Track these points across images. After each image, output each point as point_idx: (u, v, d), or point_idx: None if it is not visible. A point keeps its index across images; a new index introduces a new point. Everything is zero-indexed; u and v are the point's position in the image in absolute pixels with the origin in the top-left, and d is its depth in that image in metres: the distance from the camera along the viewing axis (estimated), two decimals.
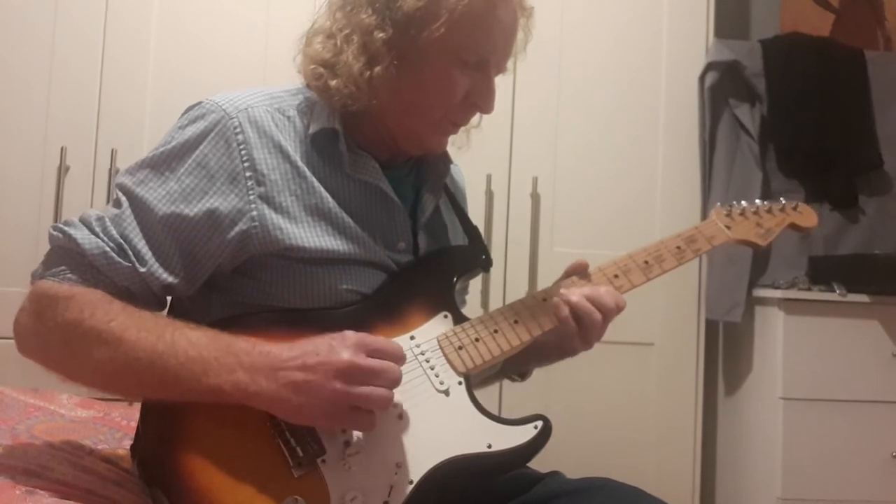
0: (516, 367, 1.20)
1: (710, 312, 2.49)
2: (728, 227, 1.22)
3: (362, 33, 1.03)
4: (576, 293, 1.07)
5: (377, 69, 1.03)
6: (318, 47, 1.07)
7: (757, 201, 1.27)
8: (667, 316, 2.46)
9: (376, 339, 0.93)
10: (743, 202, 1.26)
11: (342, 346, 0.90)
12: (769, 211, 1.26)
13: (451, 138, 1.18)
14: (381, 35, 1.02)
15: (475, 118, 1.15)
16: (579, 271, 1.13)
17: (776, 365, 2.35)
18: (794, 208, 1.28)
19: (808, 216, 1.29)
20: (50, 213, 2.22)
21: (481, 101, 1.08)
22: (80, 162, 2.25)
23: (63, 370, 0.95)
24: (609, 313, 1.07)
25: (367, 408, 0.90)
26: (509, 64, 1.11)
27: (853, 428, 2.34)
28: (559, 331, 1.07)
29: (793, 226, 1.28)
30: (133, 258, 0.97)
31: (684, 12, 2.53)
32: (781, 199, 1.30)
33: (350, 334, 0.92)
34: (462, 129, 1.17)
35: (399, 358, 0.93)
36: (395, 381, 0.91)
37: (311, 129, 1.05)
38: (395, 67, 1.03)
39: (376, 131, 1.09)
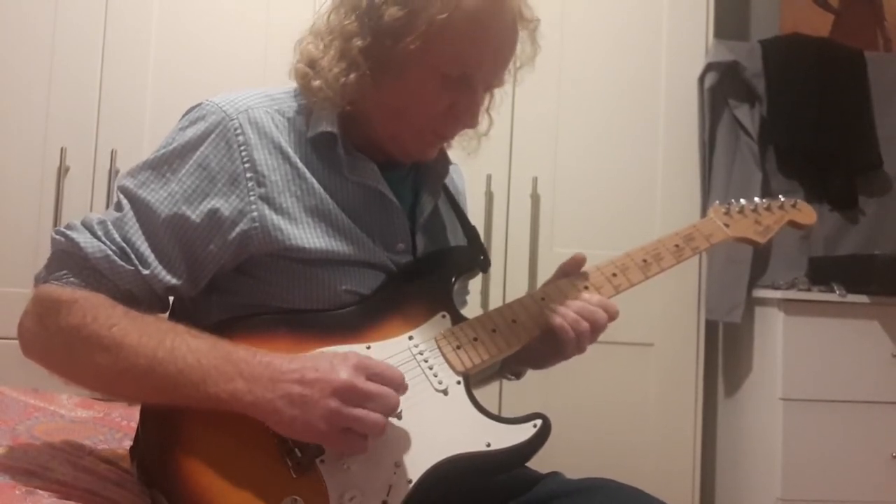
0: (511, 367, 1.20)
1: (710, 313, 2.49)
2: (727, 225, 1.22)
3: (343, 39, 1.04)
4: (569, 311, 1.07)
5: (352, 76, 1.03)
6: (309, 47, 1.08)
7: (756, 199, 1.26)
8: (666, 316, 2.47)
9: (378, 364, 0.92)
10: (742, 200, 1.25)
11: (342, 366, 0.89)
12: (768, 208, 1.26)
13: (460, 143, 1.18)
14: (358, 42, 1.03)
15: (484, 123, 1.15)
16: (576, 268, 1.13)
17: (776, 365, 2.36)
18: (793, 206, 1.28)
19: (806, 213, 1.29)
20: (50, 214, 2.22)
21: (464, 115, 1.07)
22: (80, 162, 2.25)
23: (65, 374, 0.95)
24: (601, 328, 1.08)
25: (360, 431, 0.89)
26: (509, 71, 1.10)
27: (853, 428, 2.34)
28: (557, 339, 1.07)
29: (792, 223, 1.28)
30: (136, 261, 0.97)
31: (684, 12, 2.53)
32: (780, 196, 1.29)
33: (353, 355, 0.92)
34: (473, 135, 1.16)
35: (399, 385, 0.92)
36: (391, 408, 0.90)
37: (310, 133, 1.06)
38: (369, 77, 1.03)
39: (370, 135, 1.09)
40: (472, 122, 1.09)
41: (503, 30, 1.05)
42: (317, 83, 1.04)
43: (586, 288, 1.11)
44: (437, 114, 1.06)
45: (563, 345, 1.07)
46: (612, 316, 1.08)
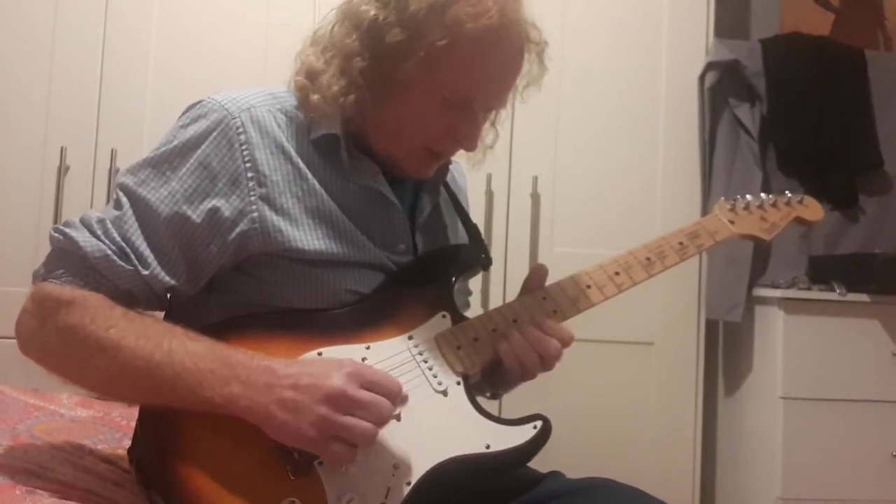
0: (486, 387, 1.17)
1: (711, 312, 2.49)
2: (732, 222, 1.19)
3: (343, 57, 1.03)
4: (522, 342, 1.03)
5: (350, 96, 1.02)
6: (311, 58, 1.07)
7: (762, 195, 1.23)
8: (667, 315, 2.46)
9: (375, 373, 0.92)
10: (748, 196, 1.22)
11: (337, 372, 0.89)
12: (774, 205, 1.23)
13: (467, 155, 1.17)
14: (359, 63, 1.02)
15: (489, 137, 1.14)
16: (538, 283, 1.11)
17: (776, 365, 2.35)
18: (800, 202, 1.25)
19: (813, 209, 1.26)
20: (50, 213, 2.22)
21: (463, 138, 1.06)
22: (80, 162, 2.25)
23: (63, 373, 0.95)
24: (553, 359, 1.04)
25: (349, 440, 0.88)
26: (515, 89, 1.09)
27: (853, 428, 2.33)
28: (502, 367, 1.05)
29: (798, 219, 1.25)
30: (135, 261, 0.96)
31: (684, 12, 2.53)
32: (787, 192, 1.27)
33: (348, 362, 0.91)
34: (479, 147, 1.15)
35: (395, 395, 0.91)
36: (383, 418, 0.89)
37: (313, 135, 1.05)
38: (369, 98, 1.03)
39: (369, 147, 1.09)
40: (471, 146, 1.08)
41: (507, 56, 1.04)
42: (315, 98, 1.04)
43: (544, 298, 1.09)
44: (435, 135, 1.05)
45: (508, 373, 1.05)
46: (567, 344, 1.05)
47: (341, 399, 0.87)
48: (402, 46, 1.00)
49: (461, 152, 1.16)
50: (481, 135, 1.11)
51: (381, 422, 0.89)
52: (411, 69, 1.00)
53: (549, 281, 1.14)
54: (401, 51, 1.00)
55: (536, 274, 1.12)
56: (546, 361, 1.04)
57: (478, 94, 1.03)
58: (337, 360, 0.92)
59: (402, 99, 1.03)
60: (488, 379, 1.11)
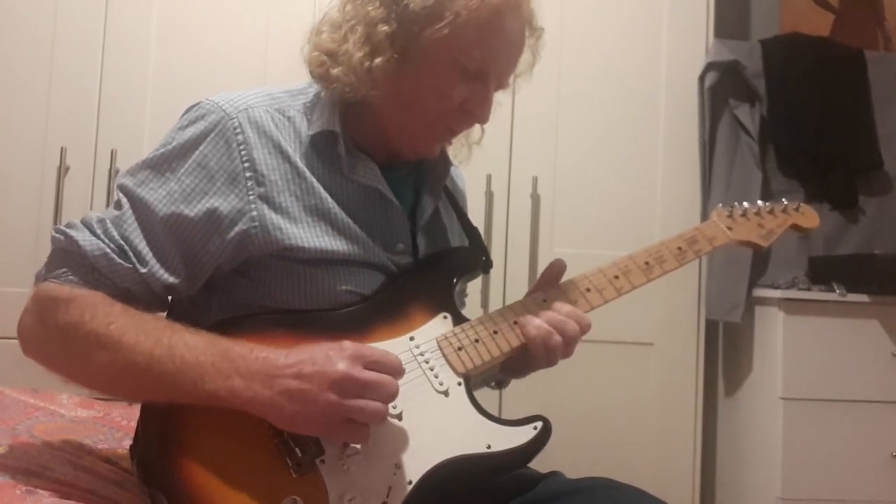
0: (496, 375, 1.17)
1: (710, 312, 2.49)
2: (729, 228, 1.21)
3: (367, 25, 1.04)
4: (535, 321, 1.04)
5: (377, 60, 1.03)
6: (324, 37, 1.08)
7: (759, 202, 1.26)
8: (667, 316, 2.46)
9: (374, 351, 0.92)
10: (744, 203, 1.25)
11: (339, 357, 0.89)
12: (770, 212, 1.25)
13: (452, 153, 1.18)
14: (384, 28, 1.03)
15: (476, 132, 1.15)
16: (556, 277, 1.11)
17: (776, 365, 2.36)
18: (796, 209, 1.27)
19: (809, 217, 1.28)
20: (50, 214, 2.22)
21: (477, 109, 1.08)
22: (80, 162, 2.25)
23: (64, 372, 0.96)
24: (572, 341, 1.05)
25: (361, 420, 0.89)
26: (511, 77, 1.11)
27: (853, 428, 2.34)
28: (527, 350, 1.05)
29: (794, 227, 1.27)
30: (134, 259, 0.97)
31: (684, 12, 2.53)
32: (783, 199, 1.28)
33: (348, 344, 0.91)
34: (464, 143, 1.17)
35: (397, 371, 0.92)
36: (390, 395, 0.90)
37: (311, 131, 1.06)
38: (395, 61, 1.03)
39: (375, 131, 1.09)
40: (484, 118, 1.10)
41: (518, 28, 1.07)
42: (336, 70, 1.04)
43: (544, 301, 1.09)
44: (450, 108, 1.06)
45: (534, 358, 1.06)
46: (584, 329, 1.06)
47: (349, 383, 0.88)
48: (430, 11, 1.01)
49: (449, 152, 1.18)
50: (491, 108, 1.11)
51: (389, 399, 0.90)
52: (436, 34, 1.01)
53: None
54: (429, 15, 1.01)
55: (555, 266, 1.12)
56: (567, 345, 1.05)
57: (495, 63, 1.05)
58: (336, 344, 0.91)
59: (421, 66, 1.04)
60: (494, 375, 1.11)
